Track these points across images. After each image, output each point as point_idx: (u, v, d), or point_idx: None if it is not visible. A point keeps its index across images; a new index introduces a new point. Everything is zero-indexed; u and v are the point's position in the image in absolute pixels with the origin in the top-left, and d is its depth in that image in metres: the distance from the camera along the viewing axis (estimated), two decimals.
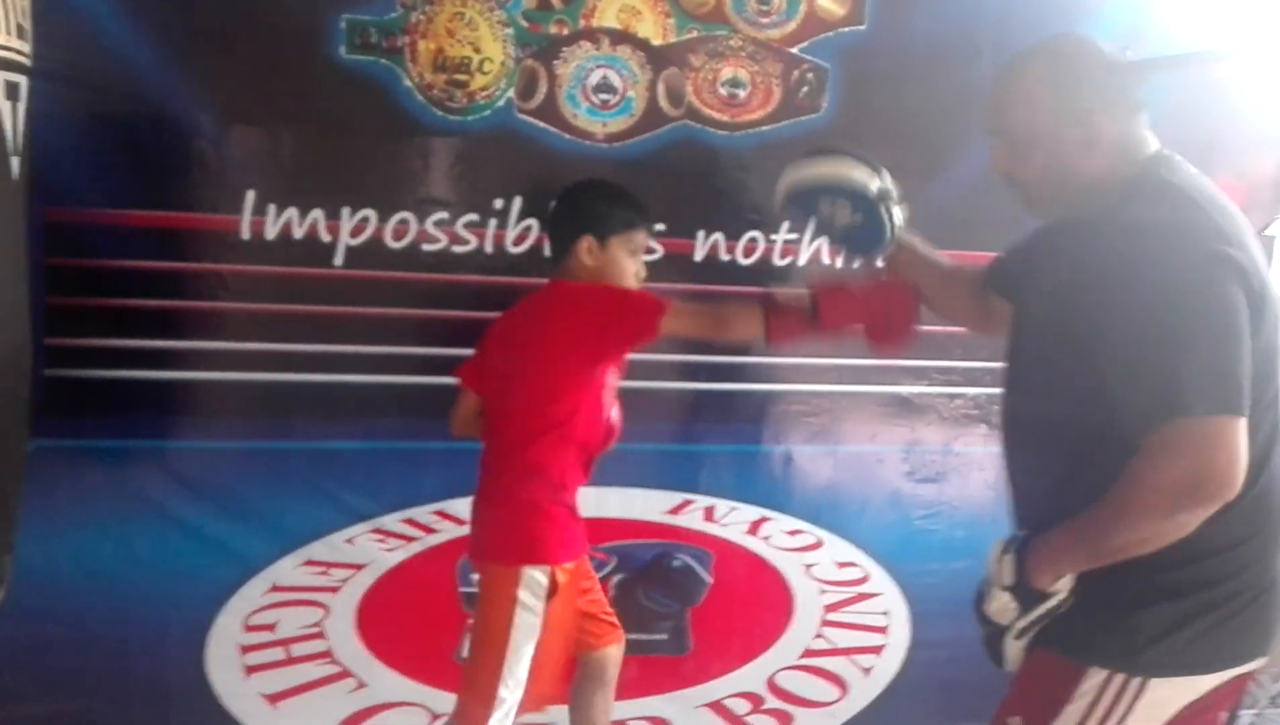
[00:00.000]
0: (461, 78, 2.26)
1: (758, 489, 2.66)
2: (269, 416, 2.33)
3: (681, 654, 2.62)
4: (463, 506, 2.40)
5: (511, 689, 1.84)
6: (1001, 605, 1.39)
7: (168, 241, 2.21)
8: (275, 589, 2.37)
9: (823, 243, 2.52)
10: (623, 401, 2.03)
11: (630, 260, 1.93)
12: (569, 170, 2.31)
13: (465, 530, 2.41)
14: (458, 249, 2.32)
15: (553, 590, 1.86)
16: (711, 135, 2.43)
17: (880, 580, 2.72)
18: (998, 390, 2.64)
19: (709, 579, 2.60)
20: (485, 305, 2.32)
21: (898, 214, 1.79)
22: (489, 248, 2.33)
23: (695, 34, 2.38)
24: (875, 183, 1.76)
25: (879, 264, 1.86)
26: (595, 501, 2.22)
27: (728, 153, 2.44)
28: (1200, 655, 1.36)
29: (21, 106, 1.73)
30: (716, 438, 2.62)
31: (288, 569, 2.37)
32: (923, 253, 1.84)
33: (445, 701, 2.42)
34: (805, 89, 2.46)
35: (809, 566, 2.69)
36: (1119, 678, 1.36)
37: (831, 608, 2.71)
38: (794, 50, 2.44)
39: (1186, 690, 1.37)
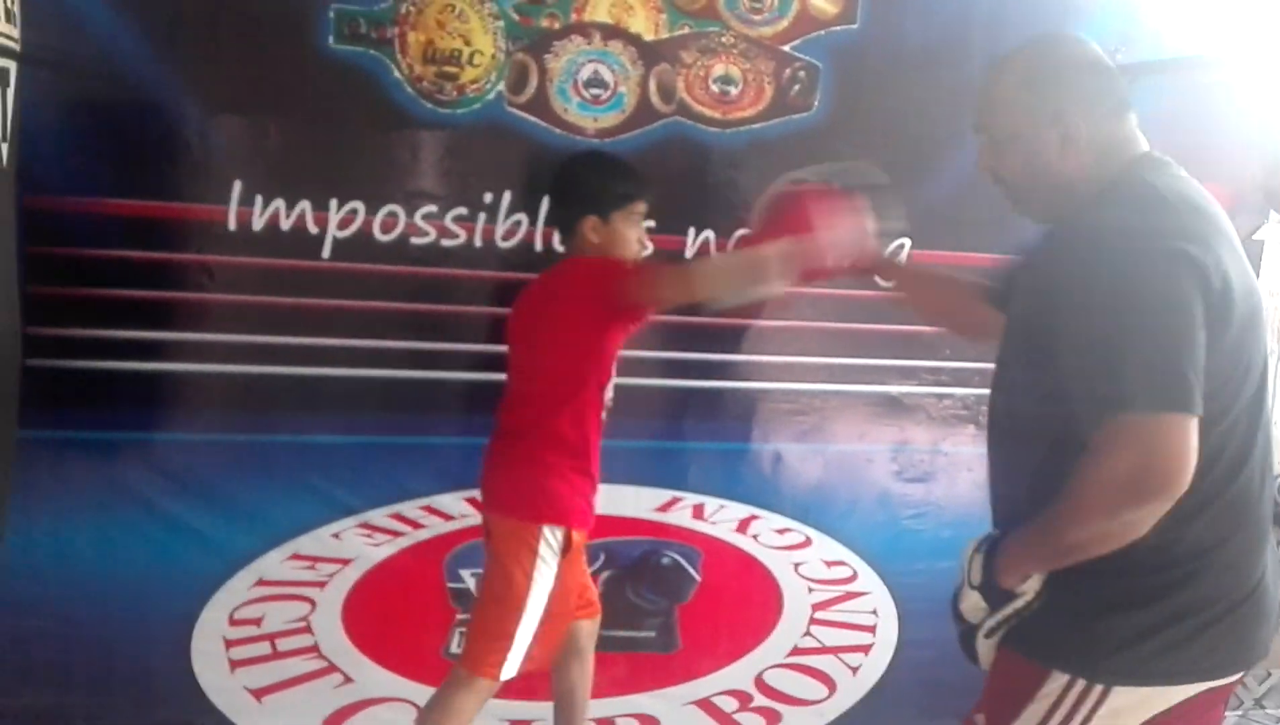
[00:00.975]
0: (451, 70, 2.25)
1: (747, 487, 2.65)
2: (255, 409, 2.31)
3: (670, 651, 2.61)
4: (450, 502, 2.40)
5: (521, 638, 1.94)
6: (972, 604, 1.39)
7: (154, 231, 2.19)
8: (261, 583, 2.36)
9: None
10: (614, 399, 2.04)
11: (633, 231, 2.01)
12: (560, 165, 2.31)
13: (453, 526, 2.42)
14: (446, 243, 2.30)
15: (566, 549, 1.96)
16: (703, 132, 2.42)
17: (868, 579, 2.72)
18: (986, 391, 2.69)
19: (697, 577, 2.60)
20: (474, 300, 2.32)
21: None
22: (478, 242, 2.32)
23: (687, 30, 2.37)
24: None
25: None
26: None
27: (719, 150, 2.43)
28: (1168, 666, 1.32)
29: (10, 92, 1.71)
30: (706, 436, 2.61)
31: (274, 563, 2.35)
32: (938, 272, 1.85)
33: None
34: (797, 87, 2.45)
35: (797, 565, 2.69)
36: (1080, 683, 1.33)
37: (819, 606, 2.71)
38: (786, 48, 2.44)
39: (1152, 701, 1.33)
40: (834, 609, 2.71)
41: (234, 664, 2.34)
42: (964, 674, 2.77)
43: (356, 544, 2.39)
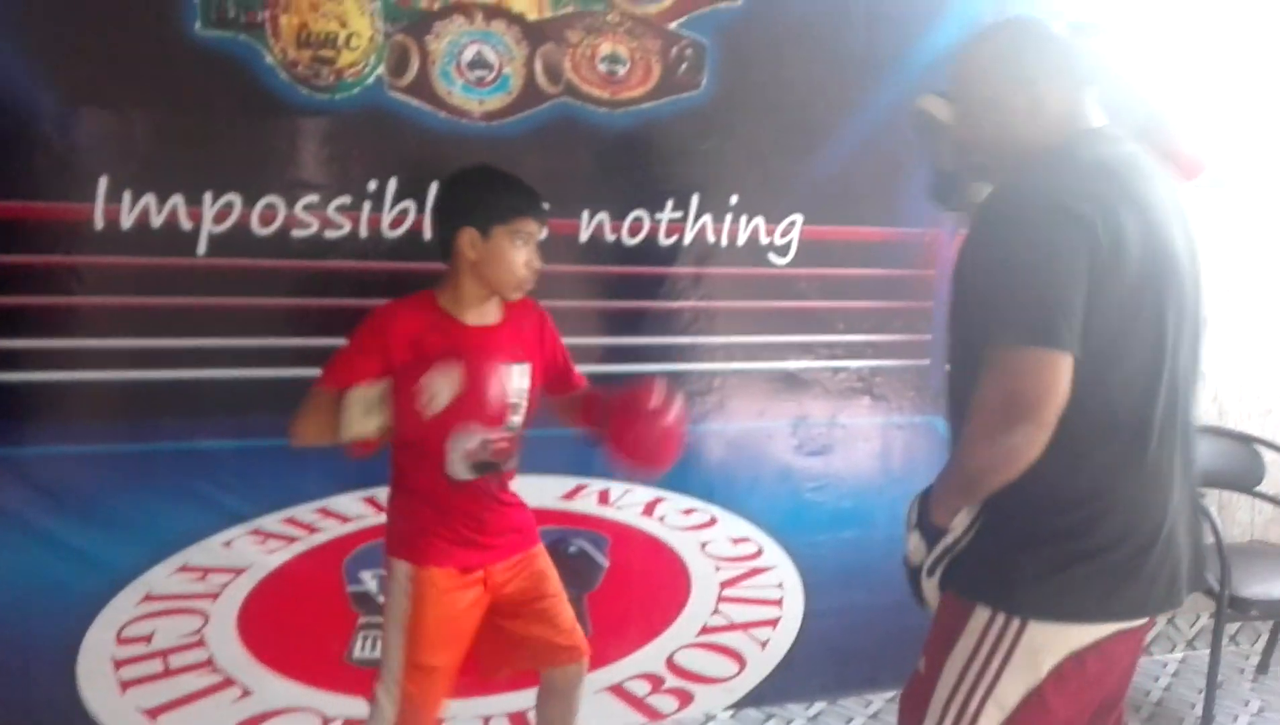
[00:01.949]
0: (328, 54, 2.16)
1: None
2: (134, 417, 2.20)
3: None
4: (347, 503, 2.33)
5: (391, 664, 1.88)
6: (914, 545, 1.51)
7: (14, 233, 2.06)
8: (149, 598, 2.26)
9: (707, 221, 2.52)
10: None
11: (518, 250, 1.84)
12: (446, 149, 2.25)
13: (350, 528, 2.35)
14: (330, 234, 2.23)
15: (424, 588, 1.86)
16: (592, 112, 2.39)
17: (773, 554, 2.75)
18: (880, 362, 2.75)
19: (605, 563, 2.59)
20: (362, 292, 2.24)
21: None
22: (364, 232, 2.25)
23: (572, 9, 2.34)
24: None
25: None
26: None
27: (609, 130, 2.41)
28: (1076, 603, 1.39)
29: None
30: None
31: (162, 577, 2.25)
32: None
33: (336, 705, 2.36)
34: (685, 65, 2.45)
35: (704, 544, 2.70)
36: (1001, 617, 1.41)
37: (727, 584, 2.73)
38: (671, 26, 2.42)
39: (1067, 638, 1.41)
40: (741, 585, 2.74)
41: (124, 684, 2.24)
42: (871, 641, 2.84)
43: (249, 552, 2.29)
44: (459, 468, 1.85)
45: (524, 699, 2.52)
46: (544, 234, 1.91)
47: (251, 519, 2.29)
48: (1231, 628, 3.24)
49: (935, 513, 1.48)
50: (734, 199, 2.54)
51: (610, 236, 2.45)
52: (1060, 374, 1.31)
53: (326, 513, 2.31)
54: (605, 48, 2.38)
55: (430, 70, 2.24)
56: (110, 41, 2.06)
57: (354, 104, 2.20)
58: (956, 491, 1.45)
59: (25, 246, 2.08)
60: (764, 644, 2.77)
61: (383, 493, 2.00)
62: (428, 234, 2.27)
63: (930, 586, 1.50)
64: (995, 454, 1.35)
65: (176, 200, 2.12)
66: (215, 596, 2.29)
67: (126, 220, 2.10)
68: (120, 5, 2.06)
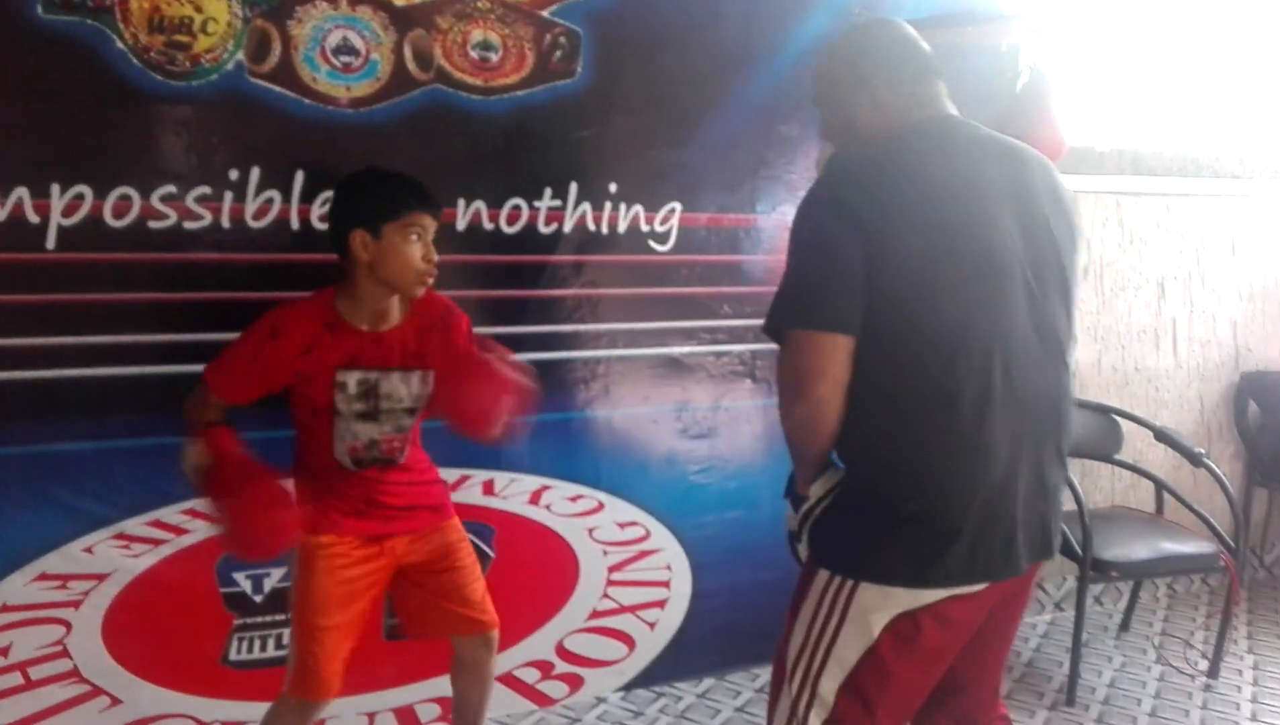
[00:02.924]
0: (183, 39, 2.08)
1: (537, 458, 2.64)
2: None
3: None
4: None
5: (293, 626, 1.98)
6: (789, 514, 1.64)
7: None
8: (6, 609, 2.15)
9: (587, 209, 2.51)
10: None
11: (412, 245, 1.85)
12: (313, 136, 2.20)
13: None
14: (190, 225, 2.15)
15: (311, 554, 1.94)
16: (465, 99, 2.35)
17: (661, 537, 2.78)
18: (762, 346, 2.79)
19: (491, 553, 2.57)
20: (226, 285, 2.18)
21: None
22: (226, 223, 2.17)
23: None
24: None
25: None
26: None
27: (483, 117, 2.38)
28: (897, 567, 1.47)
29: None
30: None
31: (18, 586, 2.15)
32: None
33: (211, 709, 2.30)
34: (559, 53, 2.43)
35: (591, 530, 2.71)
36: (836, 580, 1.52)
37: (615, 568, 2.75)
38: (544, 14, 2.40)
39: (895, 600, 1.47)
40: (629, 569, 2.76)
41: None
42: (756, 618, 2.89)
43: (112, 557, 2.20)
44: (345, 461, 1.96)
45: (410, 693, 2.51)
46: (434, 229, 1.91)
47: (114, 523, 2.19)
48: (1095, 589, 3.40)
49: (799, 483, 1.60)
50: (613, 187, 2.54)
51: (489, 225, 2.42)
52: (829, 353, 1.43)
53: (196, 513, 2.23)
54: (476, 34, 2.34)
55: (293, 56, 2.17)
56: None
57: (212, 91, 2.12)
58: (792, 457, 1.59)
59: None
60: (653, 625, 2.80)
61: None
62: (295, 224, 2.22)
63: (803, 551, 1.61)
64: (791, 426, 1.52)
65: (21, 193, 2.01)
66: (77, 604, 2.20)
67: None
68: None
